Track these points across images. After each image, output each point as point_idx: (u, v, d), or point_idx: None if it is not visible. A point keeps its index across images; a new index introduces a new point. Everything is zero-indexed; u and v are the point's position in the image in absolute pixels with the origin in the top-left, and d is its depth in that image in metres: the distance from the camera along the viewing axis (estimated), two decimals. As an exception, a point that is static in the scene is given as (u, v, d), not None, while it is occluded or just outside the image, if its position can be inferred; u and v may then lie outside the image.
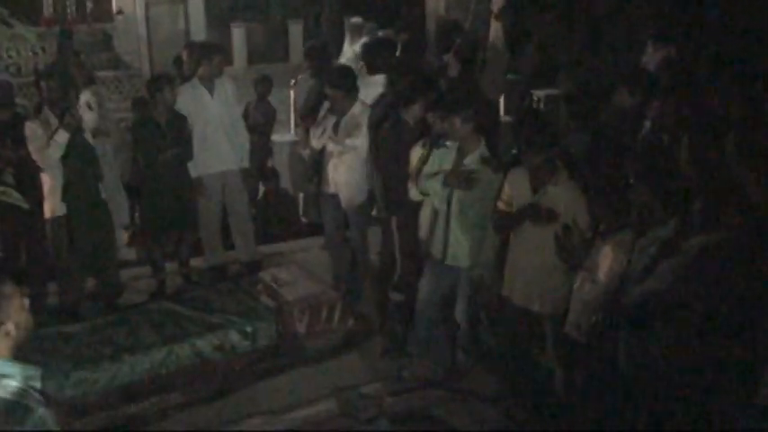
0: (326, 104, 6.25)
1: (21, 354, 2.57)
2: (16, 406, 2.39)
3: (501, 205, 4.98)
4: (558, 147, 4.94)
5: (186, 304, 6.10)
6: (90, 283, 6.64)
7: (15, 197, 5.24)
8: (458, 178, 5.07)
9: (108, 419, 5.03)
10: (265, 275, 6.43)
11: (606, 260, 4.35)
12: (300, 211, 8.64)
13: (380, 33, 9.43)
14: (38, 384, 2.51)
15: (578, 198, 4.72)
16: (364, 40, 8.64)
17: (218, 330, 5.70)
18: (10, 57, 12.25)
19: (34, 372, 2.53)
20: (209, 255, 7.16)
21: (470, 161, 5.11)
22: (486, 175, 5.05)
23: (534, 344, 5.13)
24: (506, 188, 4.96)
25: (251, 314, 5.92)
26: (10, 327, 2.47)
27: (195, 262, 7.18)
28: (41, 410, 2.41)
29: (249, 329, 5.76)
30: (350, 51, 9.57)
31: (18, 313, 2.51)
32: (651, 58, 7.82)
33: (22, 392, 2.44)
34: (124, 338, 5.61)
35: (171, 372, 5.46)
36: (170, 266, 7.03)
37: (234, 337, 5.71)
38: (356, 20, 10.23)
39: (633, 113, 5.71)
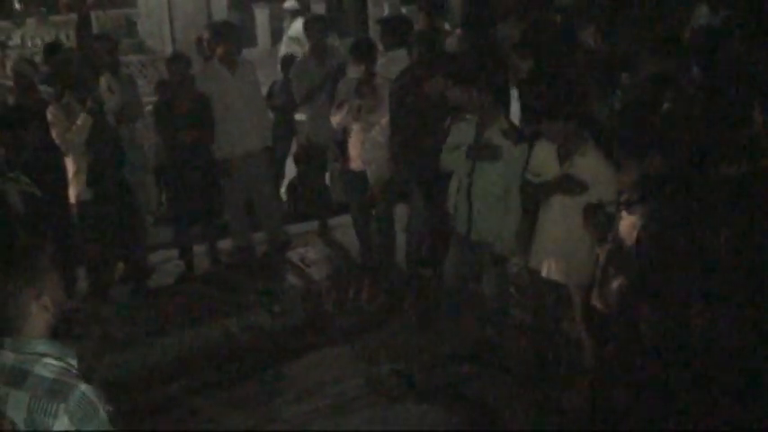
0: (338, 83, 6.19)
1: (54, 334, 2.55)
2: (59, 383, 2.37)
3: (530, 177, 4.91)
4: (584, 116, 4.86)
5: (214, 285, 6.12)
6: (119, 266, 6.66)
7: (25, 182, 5.23)
8: (479, 151, 5.01)
9: (139, 401, 5.04)
10: (293, 255, 6.42)
11: (631, 231, 4.28)
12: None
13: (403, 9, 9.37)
14: (74, 362, 2.49)
15: (605, 168, 4.64)
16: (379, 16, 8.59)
17: (246, 310, 5.70)
18: (35, 45, 12.30)
19: (70, 349, 2.51)
20: (235, 236, 7.15)
21: (491, 134, 5.03)
22: (507, 148, 4.98)
23: (563, 316, 5.07)
24: (533, 160, 4.90)
25: (279, 294, 5.91)
26: (47, 300, 2.45)
27: (223, 244, 7.18)
28: (83, 386, 2.39)
29: (277, 309, 5.75)
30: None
31: (54, 288, 2.49)
32: (705, 20, 7.66)
33: (63, 370, 2.42)
34: (154, 320, 5.63)
35: (200, 352, 5.47)
36: (198, 249, 7.05)
37: (263, 317, 5.71)
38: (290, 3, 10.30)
39: (660, 81, 5.58)
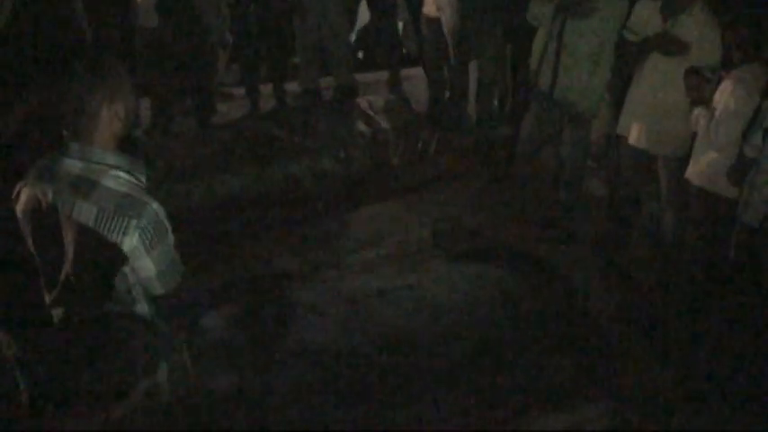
0: None
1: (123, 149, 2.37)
2: (130, 198, 2.19)
3: (629, 35, 4.56)
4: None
5: (280, 126, 5.92)
6: (184, 101, 6.51)
7: None
8: (574, 5, 4.63)
9: (198, 234, 4.97)
10: (362, 101, 6.18)
11: (723, 94, 3.96)
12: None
13: None
14: (143, 178, 2.33)
15: (711, 30, 4.26)
16: None
17: (311, 154, 5.53)
18: None
19: (140, 164, 2.33)
20: (304, 78, 6.91)
21: None
22: (603, 4, 4.60)
23: (646, 187, 4.82)
24: (634, 17, 4.55)
25: (345, 140, 5.71)
26: (120, 108, 2.25)
27: (290, 86, 6.96)
28: (155, 204, 2.23)
29: (342, 155, 5.57)
30: None
31: (128, 97, 2.30)
32: None
33: (133, 185, 2.26)
34: (217, 155, 5.49)
35: (262, 192, 5.34)
36: (265, 89, 6.83)
37: (327, 161, 5.53)
38: None
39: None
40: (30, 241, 2.29)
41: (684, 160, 4.30)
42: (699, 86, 4.11)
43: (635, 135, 4.56)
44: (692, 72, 4.14)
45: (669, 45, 4.30)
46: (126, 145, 2.34)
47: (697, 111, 4.11)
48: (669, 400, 3.64)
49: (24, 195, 2.29)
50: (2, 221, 2.38)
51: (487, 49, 5.89)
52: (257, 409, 3.56)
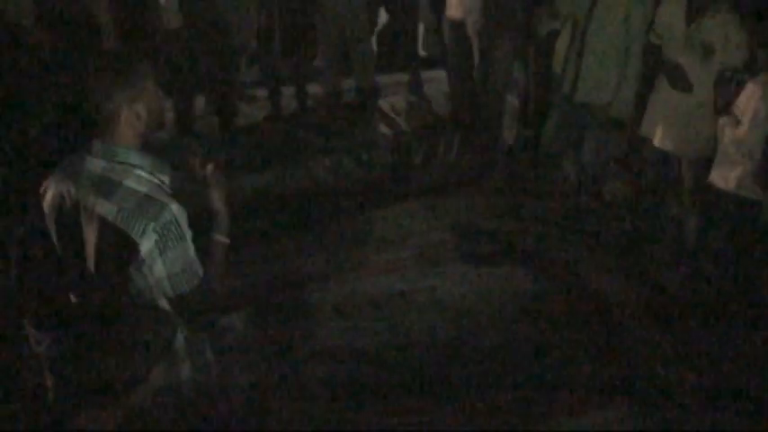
0: None
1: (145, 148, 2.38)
2: (150, 200, 2.20)
3: (653, 38, 4.53)
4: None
5: (301, 128, 5.95)
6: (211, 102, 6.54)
7: None
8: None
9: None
10: (383, 103, 6.18)
11: (751, 101, 3.92)
12: (420, 44, 8.26)
13: None
14: (166, 179, 2.33)
15: (736, 31, 4.21)
16: None
17: (332, 155, 5.54)
18: None
19: (163, 164, 2.33)
20: (326, 80, 6.92)
21: None
22: (627, 3, 4.58)
23: (668, 190, 4.78)
24: (658, 19, 4.52)
25: (366, 142, 5.72)
26: (141, 108, 2.25)
27: (312, 88, 6.97)
28: (175, 206, 2.23)
29: (364, 157, 5.58)
30: None
31: (150, 97, 2.29)
32: None
33: (155, 185, 2.26)
34: (237, 156, 5.52)
35: (284, 193, 5.36)
36: (287, 91, 6.85)
37: (348, 163, 5.54)
38: None
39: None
40: (54, 237, 2.31)
41: (708, 163, 4.26)
42: (728, 92, 4.07)
43: (659, 137, 4.53)
44: (725, 79, 4.10)
45: (694, 47, 4.27)
46: (149, 145, 2.35)
47: (722, 120, 4.07)
48: (691, 402, 3.61)
49: (50, 192, 2.31)
50: (30, 219, 2.40)
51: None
52: (278, 409, 3.57)
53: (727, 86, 4.05)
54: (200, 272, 2.33)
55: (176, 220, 2.23)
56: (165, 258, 2.22)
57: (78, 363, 2.05)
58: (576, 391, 3.69)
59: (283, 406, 3.59)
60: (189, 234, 2.28)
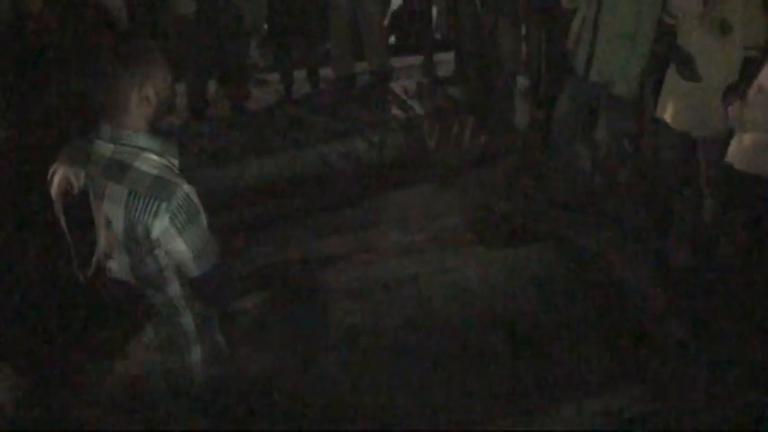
0: None
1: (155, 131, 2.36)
2: (161, 181, 2.19)
3: (667, 19, 4.47)
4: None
5: (313, 111, 5.93)
6: (218, 87, 6.52)
7: None
8: None
9: (231, 219, 4.99)
10: (396, 86, 6.15)
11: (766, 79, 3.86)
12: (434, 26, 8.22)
13: None
14: (176, 161, 2.32)
15: (756, 10, 4.14)
16: None
17: (345, 138, 5.52)
18: None
19: (172, 146, 2.33)
20: (337, 63, 6.89)
21: None
22: None
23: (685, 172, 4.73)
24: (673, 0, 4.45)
25: (379, 124, 5.70)
26: (150, 91, 2.23)
27: (324, 72, 6.94)
28: (186, 186, 2.22)
29: (377, 139, 5.55)
30: None
31: (160, 81, 2.27)
32: None
33: (165, 167, 2.25)
34: (250, 139, 5.51)
35: (296, 176, 5.35)
36: (298, 75, 6.83)
37: (360, 146, 5.52)
38: None
39: None
40: (62, 222, 2.31)
41: (725, 143, 4.20)
42: (734, 101, 4.01)
43: (674, 116, 4.47)
44: (732, 89, 4.04)
45: (711, 26, 4.20)
46: (159, 128, 2.34)
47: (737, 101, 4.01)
48: (704, 387, 3.59)
49: (57, 177, 2.31)
50: (37, 204, 2.40)
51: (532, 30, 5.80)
52: (290, 393, 3.57)
53: (735, 97, 3.98)
54: (217, 249, 2.32)
55: (190, 198, 2.22)
56: (184, 238, 2.22)
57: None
58: (588, 374, 3.67)
59: (297, 389, 3.59)
60: (203, 213, 2.28)
